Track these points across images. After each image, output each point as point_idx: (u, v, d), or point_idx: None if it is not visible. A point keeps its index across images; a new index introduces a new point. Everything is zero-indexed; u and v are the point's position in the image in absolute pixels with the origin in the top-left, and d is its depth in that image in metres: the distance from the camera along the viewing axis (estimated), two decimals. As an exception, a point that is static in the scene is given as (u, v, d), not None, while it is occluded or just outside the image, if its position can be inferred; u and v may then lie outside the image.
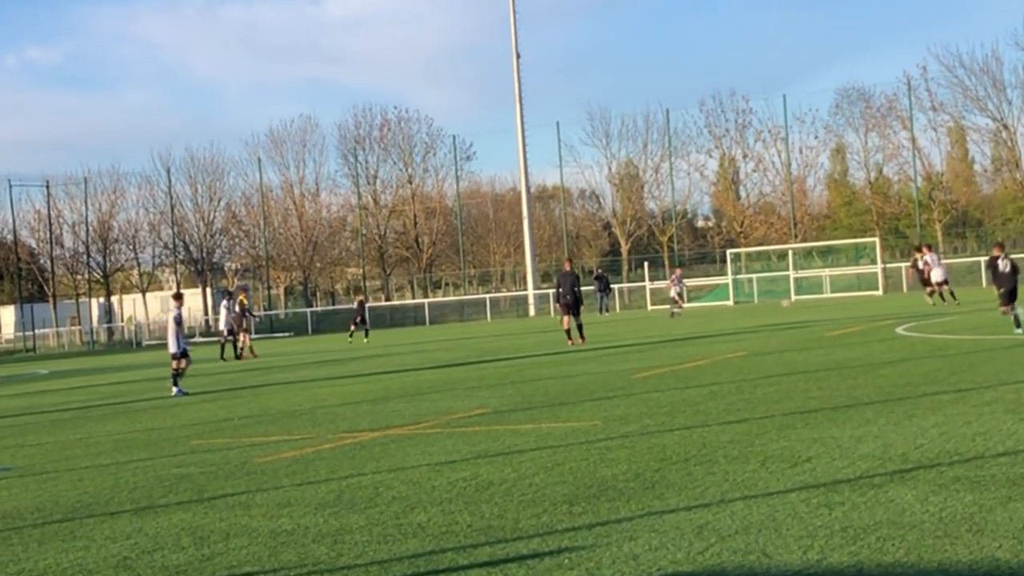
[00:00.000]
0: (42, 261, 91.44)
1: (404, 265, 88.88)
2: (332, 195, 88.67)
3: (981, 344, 19.59)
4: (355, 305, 47.15)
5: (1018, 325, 21.11)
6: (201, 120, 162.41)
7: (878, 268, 61.40)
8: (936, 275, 37.18)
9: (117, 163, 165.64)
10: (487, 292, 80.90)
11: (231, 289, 49.49)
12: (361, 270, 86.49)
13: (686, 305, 52.48)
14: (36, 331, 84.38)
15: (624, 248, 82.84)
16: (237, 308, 37.94)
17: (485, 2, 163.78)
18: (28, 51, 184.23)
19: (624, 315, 58.00)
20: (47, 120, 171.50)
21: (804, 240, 72.50)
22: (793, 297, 57.90)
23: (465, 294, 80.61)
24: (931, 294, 37.11)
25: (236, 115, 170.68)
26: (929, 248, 39.94)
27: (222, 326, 39.20)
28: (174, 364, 22.21)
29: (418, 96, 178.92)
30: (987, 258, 22.52)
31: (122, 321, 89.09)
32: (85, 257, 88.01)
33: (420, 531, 7.54)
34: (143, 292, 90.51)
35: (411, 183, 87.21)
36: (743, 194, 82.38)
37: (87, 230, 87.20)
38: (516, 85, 71.31)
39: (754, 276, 65.95)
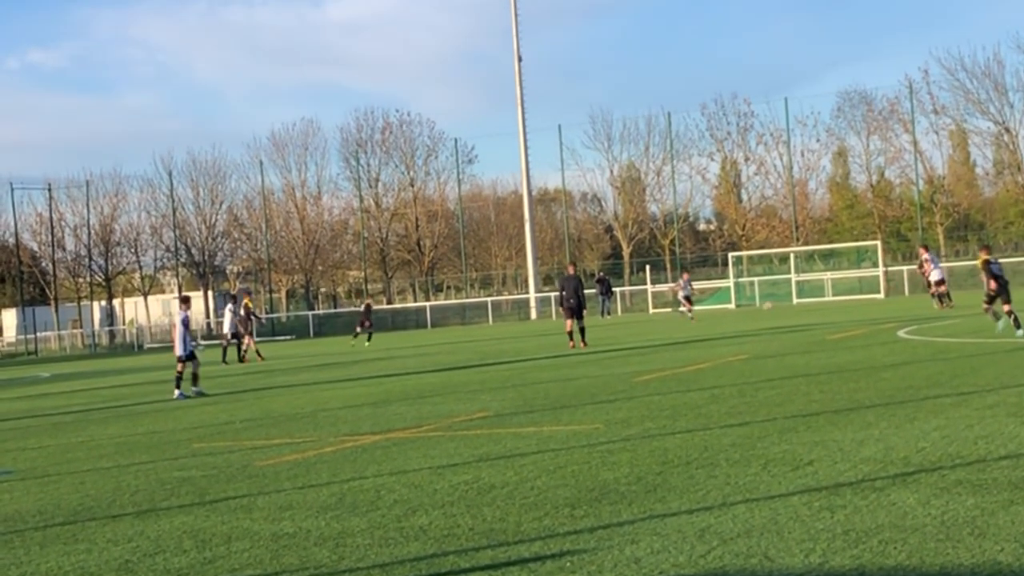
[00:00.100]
0: (44, 264, 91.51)
1: (406, 268, 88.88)
2: (334, 198, 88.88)
3: (983, 347, 19.57)
4: (362, 308, 47.75)
5: (1018, 326, 21.11)
6: (203, 123, 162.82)
7: (880, 271, 61.41)
8: (934, 275, 37.23)
9: (119, 166, 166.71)
10: (489, 295, 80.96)
11: (234, 292, 49.49)
12: (363, 273, 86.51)
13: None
14: (38, 334, 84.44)
15: (626, 251, 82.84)
16: (242, 311, 37.94)
17: (487, 5, 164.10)
18: (30, 53, 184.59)
19: (626, 318, 58.01)
20: (49, 123, 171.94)
21: (806, 243, 72.53)
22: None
23: (467, 297, 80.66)
24: (934, 296, 37.15)
25: (238, 118, 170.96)
26: (927, 248, 40.02)
27: (226, 329, 39.20)
28: (179, 367, 22.30)
29: (420, 99, 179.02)
30: (981, 261, 22.46)
31: (124, 324, 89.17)
32: (87, 260, 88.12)
33: (422, 534, 7.54)
34: (145, 295, 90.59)
35: (413, 186, 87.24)
36: (745, 197, 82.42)
37: (89, 233, 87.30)
38: (518, 88, 71.33)
39: (756, 279, 65.93)
